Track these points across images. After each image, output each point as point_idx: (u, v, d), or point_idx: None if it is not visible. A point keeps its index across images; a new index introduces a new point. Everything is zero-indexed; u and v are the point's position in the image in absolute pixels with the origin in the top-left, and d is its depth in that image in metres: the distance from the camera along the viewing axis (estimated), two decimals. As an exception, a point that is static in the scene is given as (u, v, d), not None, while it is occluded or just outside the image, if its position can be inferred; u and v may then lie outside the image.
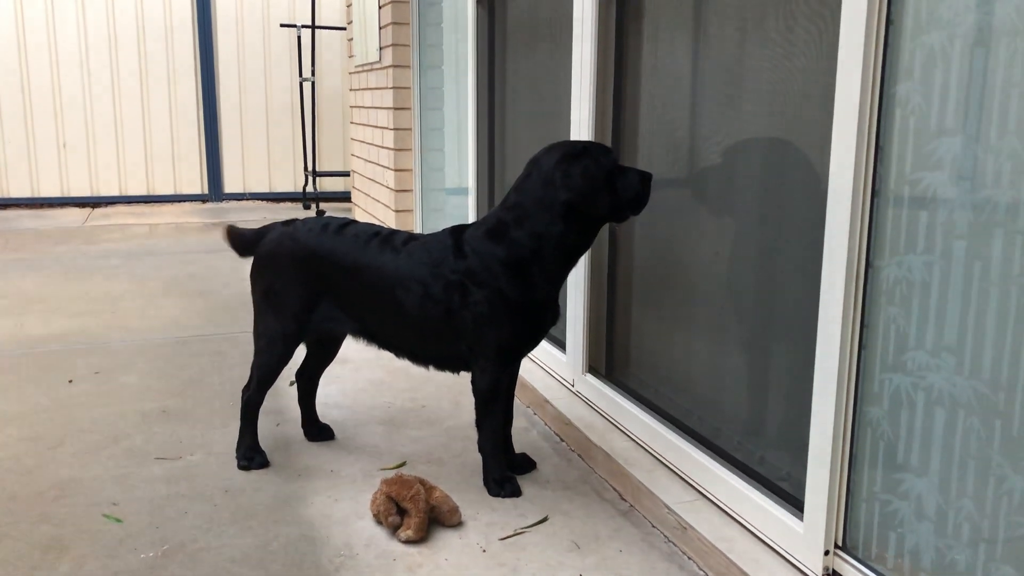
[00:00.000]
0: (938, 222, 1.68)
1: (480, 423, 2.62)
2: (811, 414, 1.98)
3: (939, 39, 1.65)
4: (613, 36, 2.94)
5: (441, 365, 2.65)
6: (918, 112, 1.71)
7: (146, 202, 9.37)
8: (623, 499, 2.59)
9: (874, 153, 1.80)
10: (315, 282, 2.64)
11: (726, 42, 2.36)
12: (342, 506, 2.52)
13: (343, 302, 2.65)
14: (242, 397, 2.78)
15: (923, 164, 1.70)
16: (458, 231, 2.56)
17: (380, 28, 6.17)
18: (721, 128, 2.40)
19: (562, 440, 3.05)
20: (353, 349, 4.01)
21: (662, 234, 2.76)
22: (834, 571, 1.95)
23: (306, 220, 2.73)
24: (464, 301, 2.47)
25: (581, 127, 3.07)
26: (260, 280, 2.71)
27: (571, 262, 2.51)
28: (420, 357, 2.67)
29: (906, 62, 1.73)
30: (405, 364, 3.81)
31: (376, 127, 6.49)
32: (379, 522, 2.38)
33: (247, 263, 2.82)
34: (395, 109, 5.92)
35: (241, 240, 2.82)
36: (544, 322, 2.55)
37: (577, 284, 3.17)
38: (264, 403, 2.83)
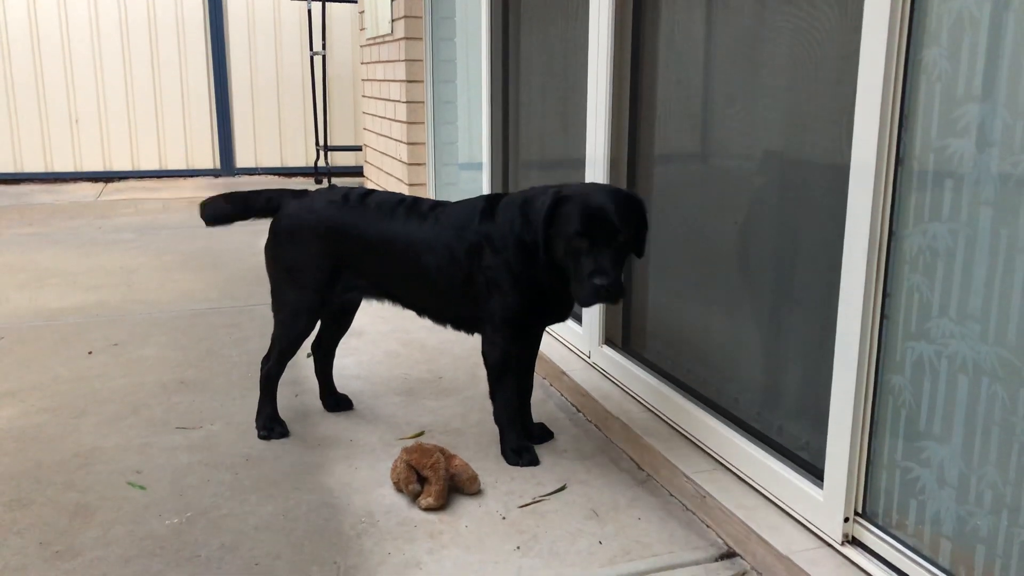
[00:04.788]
0: (964, 189, 1.67)
1: (493, 395, 2.64)
2: (831, 383, 1.98)
3: (967, 3, 1.63)
4: (631, 5, 2.91)
5: (458, 325, 2.67)
6: (944, 78, 1.69)
7: (158, 177, 9.39)
8: (640, 468, 2.61)
9: (898, 120, 1.79)
10: (337, 254, 2.65)
11: (746, 10, 2.34)
12: (362, 474, 2.54)
13: (367, 271, 2.66)
14: (262, 369, 2.80)
15: (949, 131, 1.69)
16: (495, 196, 2.58)
17: (392, 0, 6.13)
18: (741, 97, 2.38)
19: (579, 411, 3.06)
20: (368, 322, 4.03)
21: (679, 204, 2.75)
22: (854, 538, 1.96)
23: (323, 192, 2.73)
24: (479, 264, 2.49)
25: (598, 99, 3.05)
26: (279, 254, 2.71)
27: None
28: (440, 317, 2.69)
29: (933, 27, 1.71)
30: (420, 336, 3.85)
31: (388, 100, 6.47)
32: (399, 490, 2.40)
33: (261, 237, 2.83)
34: (407, 82, 5.90)
35: (243, 203, 2.80)
36: (549, 303, 2.54)
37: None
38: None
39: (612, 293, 2.24)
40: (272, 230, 2.73)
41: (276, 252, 2.72)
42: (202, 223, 2.87)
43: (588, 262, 2.25)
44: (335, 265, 2.66)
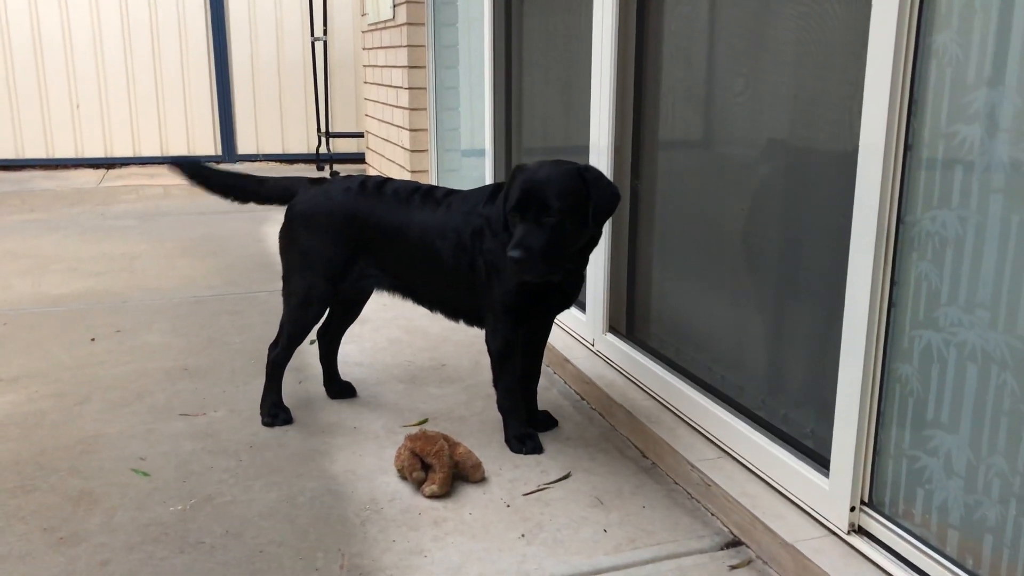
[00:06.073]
0: (974, 176, 1.65)
1: (496, 382, 2.63)
2: (838, 371, 1.97)
3: (979, -12, 1.61)
4: (636, -10, 2.88)
5: (471, 319, 2.66)
6: (955, 63, 1.67)
7: (160, 163, 9.34)
8: (645, 456, 2.60)
9: (908, 106, 1.77)
10: (354, 242, 2.64)
11: (755, -6, 2.32)
12: (366, 461, 2.54)
13: (382, 259, 2.65)
14: (269, 355, 2.79)
15: (959, 117, 1.67)
16: (502, 184, 2.57)
17: (394, -15, 6.08)
18: (747, 83, 2.36)
19: (582, 399, 3.05)
20: (372, 309, 4.01)
21: (684, 191, 2.73)
22: (860, 527, 1.95)
23: (340, 179, 2.72)
24: (480, 247, 2.48)
25: (602, 84, 3.03)
26: (294, 240, 2.69)
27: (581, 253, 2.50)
28: (453, 310, 2.68)
29: (943, 11, 1.69)
30: (424, 324, 3.84)
31: (390, 86, 6.44)
32: (403, 477, 2.40)
33: (263, 224, 2.81)
34: (409, 68, 5.87)
35: (261, 187, 2.80)
36: (549, 289, 2.50)
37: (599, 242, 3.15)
38: (285, 361, 2.84)
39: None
40: (288, 216, 2.72)
41: (291, 238, 2.71)
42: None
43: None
44: (350, 253, 2.65)
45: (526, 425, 2.66)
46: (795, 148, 2.21)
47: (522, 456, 2.58)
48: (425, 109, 5.92)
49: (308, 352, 3.37)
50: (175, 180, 9.19)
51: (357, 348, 3.54)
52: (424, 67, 5.87)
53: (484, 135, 4.52)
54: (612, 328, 3.19)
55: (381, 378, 3.23)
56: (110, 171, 9.02)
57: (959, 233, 1.69)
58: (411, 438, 2.41)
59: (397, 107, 6.27)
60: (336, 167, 8.90)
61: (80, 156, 9.14)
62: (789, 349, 2.29)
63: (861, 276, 1.87)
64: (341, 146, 9.40)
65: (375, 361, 3.41)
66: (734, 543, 2.14)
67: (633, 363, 2.95)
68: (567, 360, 3.21)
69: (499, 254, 2.45)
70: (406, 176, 6.06)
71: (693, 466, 2.36)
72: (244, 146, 9.58)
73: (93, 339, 3.62)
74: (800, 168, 2.19)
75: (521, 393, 2.68)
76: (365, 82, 7.55)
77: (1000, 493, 1.64)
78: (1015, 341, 1.59)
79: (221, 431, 2.74)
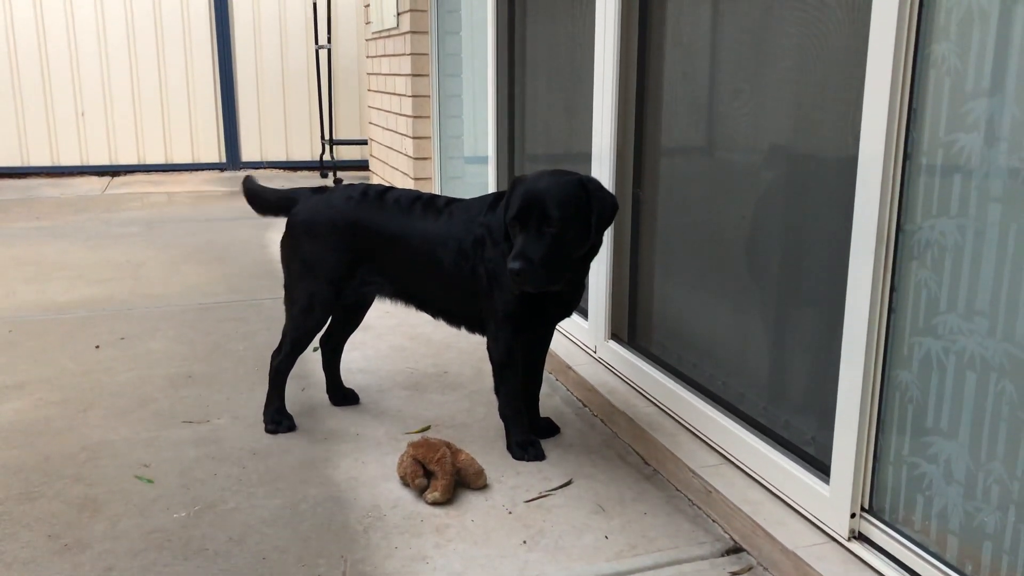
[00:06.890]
0: (972, 184, 1.66)
1: (498, 389, 2.64)
2: (838, 379, 1.98)
3: (977, -2, 1.63)
4: (638, -1, 2.90)
5: (472, 326, 2.67)
6: (954, 73, 1.68)
7: (164, 171, 9.40)
8: (646, 463, 2.61)
9: (907, 115, 1.78)
10: (355, 249, 2.66)
11: (754, 2, 2.33)
12: (369, 468, 2.55)
13: (383, 267, 2.67)
14: (272, 362, 2.81)
15: (958, 126, 1.68)
16: (503, 193, 2.59)
17: (398, -6, 6.11)
18: (749, 91, 2.37)
19: (584, 405, 3.06)
20: (375, 316, 4.03)
21: (686, 198, 2.74)
22: (860, 533, 1.96)
23: (342, 187, 2.74)
24: (481, 256, 2.50)
25: (604, 92, 3.04)
26: (296, 248, 2.71)
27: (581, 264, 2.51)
28: (454, 317, 2.69)
29: (942, 22, 1.70)
30: (426, 331, 3.85)
31: (394, 94, 6.47)
32: (406, 484, 2.41)
33: (268, 230, 2.83)
34: (413, 76, 5.89)
35: (260, 199, 2.83)
36: (549, 297, 2.51)
37: (600, 250, 3.16)
38: (289, 368, 2.85)
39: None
40: (290, 224, 2.74)
41: (293, 246, 2.72)
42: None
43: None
44: (352, 260, 2.67)
45: (528, 432, 2.67)
46: (795, 156, 2.22)
47: (524, 463, 2.59)
48: (429, 117, 5.95)
49: (311, 359, 3.39)
50: (179, 187, 9.21)
51: (360, 355, 3.55)
52: (428, 75, 5.89)
53: (487, 142, 4.54)
54: (614, 335, 3.20)
55: (384, 385, 3.24)
56: (115, 178, 9.06)
57: (958, 241, 1.70)
58: (413, 445, 2.42)
59: (401, 115, 6.30)
60: (340, 174, 8.93)
61: (85, 164, 9.18)
62: (790, 356, 2.30)
63: (861, 283, 1.88)
64: (345, 153, 9.44)
65: (378, 368, 3.42)
66: (735, 549, 2.15)
67: (635, 370, 2.96)
68: (569, 367, 3.22)
69: (500, 263, 2.47)
70: (410, 183, 6.08)
71: (694, 473, 2.36)
72: (248, 153, 9.62)
73: (98, 346, 3.64)
74: (800, 176, 2.20)
75: (523, 400, 2.69)
76: (369, 90, 7.58)
77: (999, 499, 1.65)
78: (1013, 348, 1.59)
79: (224, 438, 2.75)
